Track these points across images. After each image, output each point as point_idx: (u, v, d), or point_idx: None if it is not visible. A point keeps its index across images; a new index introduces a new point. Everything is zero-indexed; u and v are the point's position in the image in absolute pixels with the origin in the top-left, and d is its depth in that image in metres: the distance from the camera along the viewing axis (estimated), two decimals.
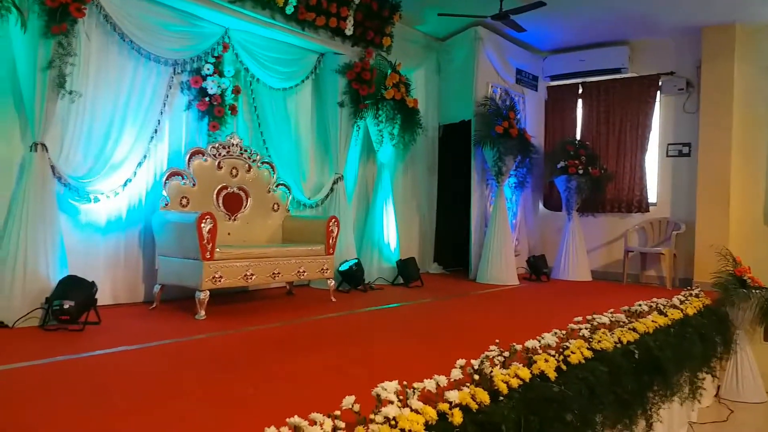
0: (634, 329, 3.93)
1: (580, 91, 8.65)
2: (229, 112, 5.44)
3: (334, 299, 5.39)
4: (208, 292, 4.35)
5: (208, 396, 2.57)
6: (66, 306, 3.75)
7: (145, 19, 4.83)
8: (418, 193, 7.83)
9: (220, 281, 4.46)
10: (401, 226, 7.15)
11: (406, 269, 6.65)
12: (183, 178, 4.94)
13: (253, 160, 5.54)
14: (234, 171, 5.35)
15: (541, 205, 8.96)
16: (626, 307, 4.45)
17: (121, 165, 4.75)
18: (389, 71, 6.70)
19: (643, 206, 8.11)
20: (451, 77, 7.94)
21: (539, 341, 3.14)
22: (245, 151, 5.48)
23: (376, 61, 6.60)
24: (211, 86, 5.24)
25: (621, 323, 4.02)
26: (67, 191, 4.40)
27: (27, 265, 3.92)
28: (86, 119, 4.54)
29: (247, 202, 5.45)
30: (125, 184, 4.78)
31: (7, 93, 4.17)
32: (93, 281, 4.01)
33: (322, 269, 5.34)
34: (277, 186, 5.75)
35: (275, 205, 5.70)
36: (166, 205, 4.79)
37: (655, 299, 4.90)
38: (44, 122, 4.12)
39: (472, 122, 7.53)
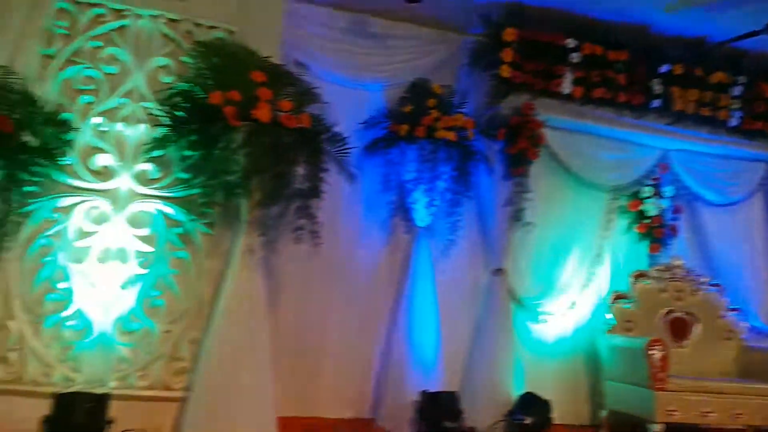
0: None
1: None
2: (669, 232, 5.30)
3: None
4: (664, 425, 4.08)
5: None
6: (526, 421, 4.04)
7: (586, 152, 5.21)
8: None
9: (673, 415, 4.14)
10: None
11: None
12: (626, 301, 4.93)
13: (700, 283, 5.14)
14: (678, 294, 5.06)
15: None
16: None
17: (566, 288, 5.05)
18: None
19: None
20: None
21: None
22: (689, 272, 5.15)
23: None
24: (650, 208, 5.24)
25: None
26: (520, 311, 4.88)
27: (491, 377, 4.44)
28: (535, 246, 5.04)
29: (694, 328, 5.02)
30: (570, 307, 5.03)
31: (474, 226, 4.96)
32: (548, 400, 4.23)
33: None
34: (728, 311, 5.16)
35: (727, 333, 5.08)
36: (612, 328, 4.81)
37: None
38: (503, 250, 4.76)
39: None
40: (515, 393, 4.41)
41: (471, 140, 4.61)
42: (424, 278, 4.58)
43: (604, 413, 4.66)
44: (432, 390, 4.15)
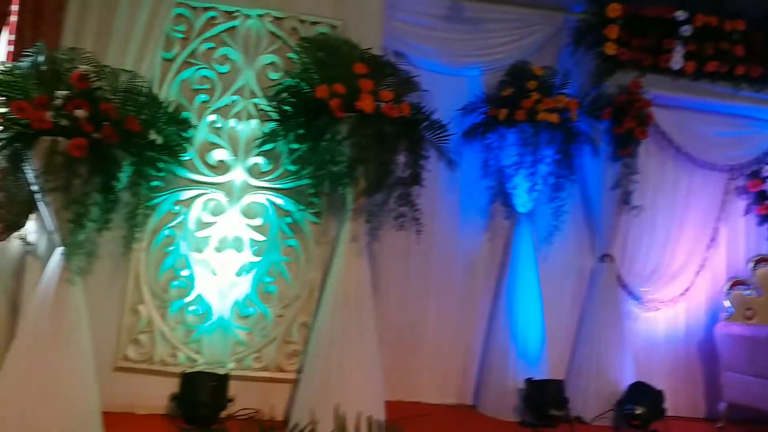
0: None
1: None
2: None
3: None
4: None
5: None
6: (637, 411, 3.90)
7: (699, 130, 4.92)
8: None
9: None
10: None
11: None
12: (746, 288, 4.64)
13: None
14: None
15: None
16: None
17: (678, 274, 4.82)
18: None
19: None
20: None
21: None
22: None
23: None
24: None
25: None
26: (630, 299, 4.71)
27: (600, 366, 4.32)
28: (645, 231, 4.82)
29: None
30: (683, 293, 4.81)
31: (579, 211, 4.81)
32: (661, 390, 4.07)
33: None
34: None
35: None
36: (730, 316, 4.55)
37: None
38: (610, 235, 4.60)
39: None
40: (625, 383, 4.27)
41: (574, 122, 4.46)
42: (526, 264, 4.50)
43: (722, 406, 4.41)
44: (537, 378, 4.10)
